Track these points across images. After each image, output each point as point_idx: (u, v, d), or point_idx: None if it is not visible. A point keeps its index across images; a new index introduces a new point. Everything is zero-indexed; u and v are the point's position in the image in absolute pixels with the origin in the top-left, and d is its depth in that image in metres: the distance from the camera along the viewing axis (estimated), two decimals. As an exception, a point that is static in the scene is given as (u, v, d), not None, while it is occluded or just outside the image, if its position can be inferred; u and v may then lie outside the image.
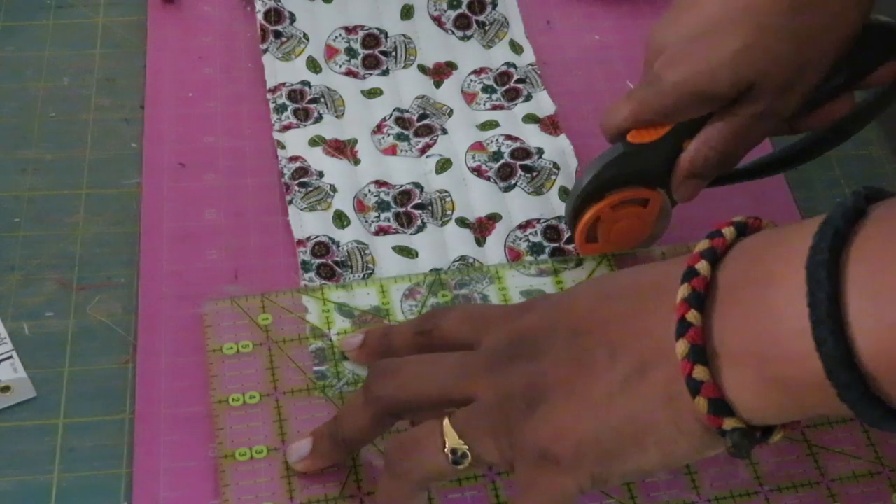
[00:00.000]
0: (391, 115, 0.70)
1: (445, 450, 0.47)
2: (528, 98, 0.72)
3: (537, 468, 0.46)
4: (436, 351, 0.53)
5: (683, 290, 0.44)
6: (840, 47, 0.56)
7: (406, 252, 0.64)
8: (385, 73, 0.73)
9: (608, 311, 0.47)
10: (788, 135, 0.61)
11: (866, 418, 0.40)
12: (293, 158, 0.67)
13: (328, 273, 0.62)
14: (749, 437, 0.43)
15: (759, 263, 0.43)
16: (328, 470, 0.54)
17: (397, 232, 0.65)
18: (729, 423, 0.43)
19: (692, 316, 0.43)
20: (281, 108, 0.70)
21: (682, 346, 0.43)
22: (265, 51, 0.73)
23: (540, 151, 0.68)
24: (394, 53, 0.74)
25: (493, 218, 0.65)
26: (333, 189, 0.66)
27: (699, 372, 0.42)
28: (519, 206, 0.66)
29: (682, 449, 0.45)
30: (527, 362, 0.47)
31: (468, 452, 0.47)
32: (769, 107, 0.56)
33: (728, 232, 0.45)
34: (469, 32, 0.75)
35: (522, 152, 0.68)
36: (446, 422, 0.48)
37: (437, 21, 0.75)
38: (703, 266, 0.44)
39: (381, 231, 0.64)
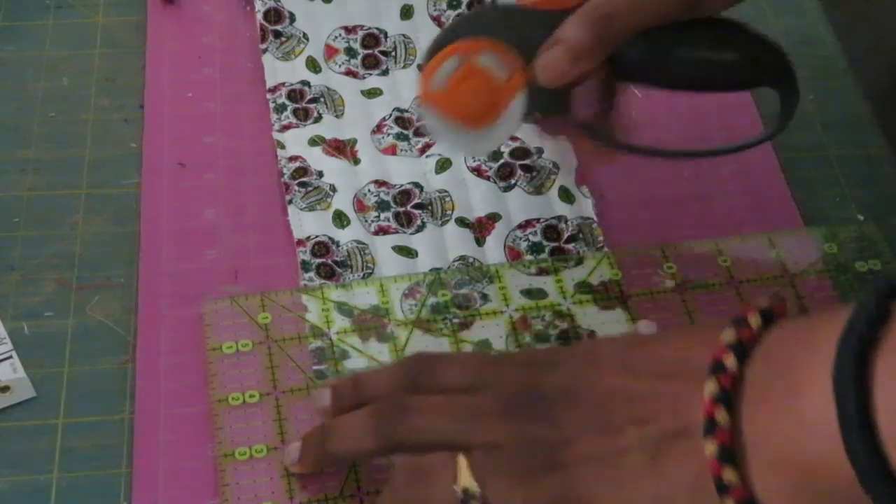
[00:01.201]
0: (391, 115, 0.70)
1: (456, 486, 0.47)
2: (528, 98, 0.71)
3: None
4: (424, 392, 0.51)
5: (711, 387, 0.43)
6: None
7: (406, 252, 0.64)
8: (385, 72, 0.73)
9: (633, 388, 0.46)
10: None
11: None
12: (293, 158, 0.67)
13: (328, 273, 0.62)
14: None
15: (787, 368, 0.42)
16: (328, 470, 0.54)
17: (397, 232, 0.65)
18: None
19: (721, 416, 0.43)
20: (280, 108, 0.70)
21: (710, 446, 0.43)
22: (265, 51, 0.73)
23: (539, 151, 0.68)
24: (393, 53, 0.74)
25: (493, 218, 0.65)
26: (333, 189, 0.66)
27: (728, 474, 0.42)
28: (518, 205, 0.66)
29: None
30: (552, 422, 0.47)
31: (477, 494, 0.47)
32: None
33: (754, 321, 0.44)
34: (469, 32, 0.75)
35: (522, 152, 0.68)
36: (462, 459, 0.47)
37: (437, 21, 0.75)
38: (730, 361, 0.43)
39: (381, 231, 0.64)
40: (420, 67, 0.57)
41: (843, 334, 0.40)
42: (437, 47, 0.57)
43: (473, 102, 0.57)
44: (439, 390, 0.51)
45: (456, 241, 0.64)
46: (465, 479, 0.47)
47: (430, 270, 0.63)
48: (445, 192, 0.66)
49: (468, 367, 0.52)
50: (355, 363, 0.58)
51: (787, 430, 0.41)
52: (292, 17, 0.74)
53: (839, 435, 0.39)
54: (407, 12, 0.76)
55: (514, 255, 0.64)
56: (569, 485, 0.46)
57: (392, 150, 0.68)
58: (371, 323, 0.60)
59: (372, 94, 0.72)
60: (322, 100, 0.71)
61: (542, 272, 0.63)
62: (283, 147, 0.68)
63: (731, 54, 0.58)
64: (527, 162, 0.67)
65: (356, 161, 0.68)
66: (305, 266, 0.62)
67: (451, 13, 0.75)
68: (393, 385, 0.52)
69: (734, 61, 0.58)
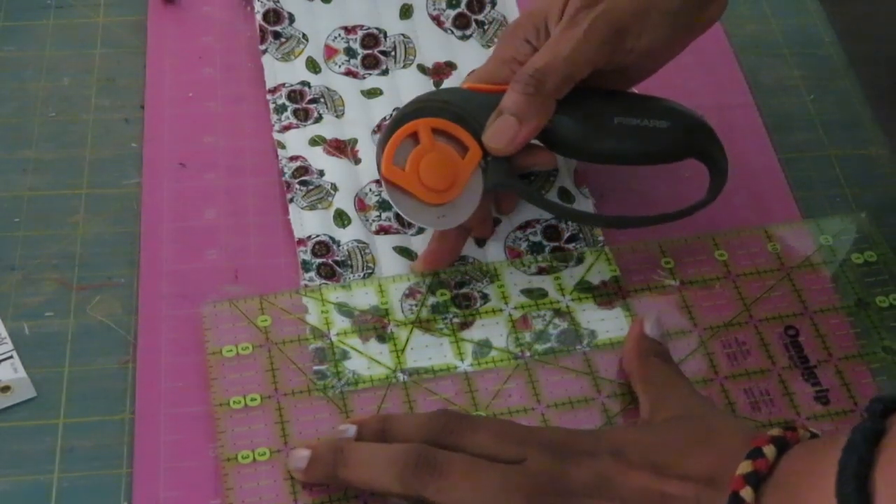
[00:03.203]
0: (391, 115, 0.70)
1: None
2: (528, 98, 0.71)
3: None
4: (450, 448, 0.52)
5: None
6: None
7: (406, 252, 0.64)
8: (384, 72, 0.73)
9: (661, 489, 0.49)
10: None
11: None
12: (293, 158, 0.67)
13: (328, 272, 0.62)
14: None
15: (797, 495, 0.46)
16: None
17: (398, 231, 0.65)
18: None
19: None
20: (281, 109, 0.70)
21: None
22: (264, 52, 0.73)
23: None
24: (393, 53, 0.74)
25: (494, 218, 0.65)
26: (334, 188, 0.66)
27: None
28: (519, 206, 0.66)
29: None
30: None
31: None
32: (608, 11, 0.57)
33: (769, 452, 0.48)
34: (468, 32, 0.75)
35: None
36: None
37: (437, 20, 0.75)
38: (748, 494, 0.47)
39: (382, 230, 0.64)
40: (379, 148, 0.59)
41: (842, 455, 0.43)
42: (393, 127, 0.59)
43: (434, 178, 0.58)
44: (465, 452, 0.52)
45: (456, 241, 0.64)
46: None
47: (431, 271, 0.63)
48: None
49: (497, 436, 0.52)
50: (355, 364, 0.58)
51: None
52: (291, 18, 0.74)
53: None
54: (406, 12, 0.76)
55: (514, 255, 0.64)
56: None
57: (392, 150, 0.68)
58: (371, 323, 0.60)
59: (372, 93, 0.72)
60: (322, 100, 0.71)
61: (541, 271, 0.63)
62: (283, 147, 0.68)
63: (663, 122, 0.60)
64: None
65: (357, 161, 0.68)
66: (306, 266, 0.62)
67: (451, 13, 0.75)
68: (421, 435, 0.53)
69: (666, 129, 0.61)
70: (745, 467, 0.47)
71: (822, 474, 0.44)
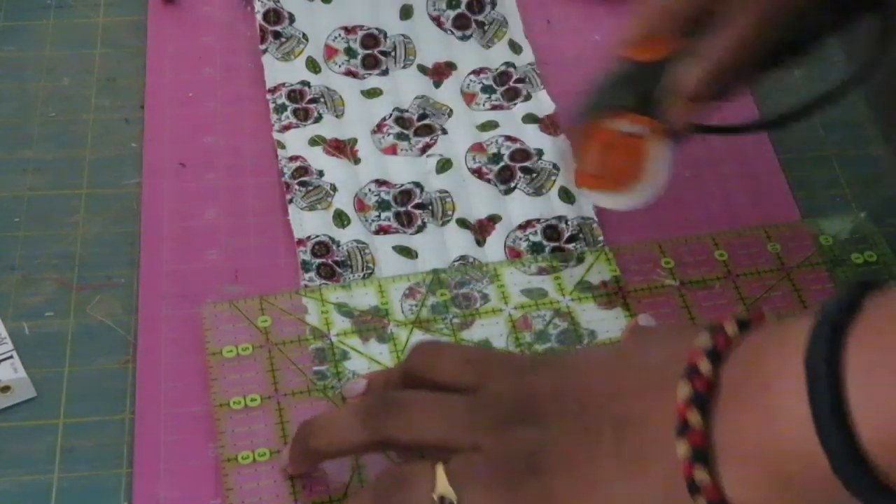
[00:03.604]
0: (391, 115, 0.70)
1: (434, 494, 0.47)
2: (528, 98, 0.72)
3: None
4: (427, 388, 0.52)
5: (684, 389, 0.44)
6: None
7: (406, 252, 0.64)
8: (384, 73, 0.73)
9: (614, 389, 0.47)
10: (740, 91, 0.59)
11: None
12: (293, 158, 0.67)
13: (328, 273, 0.62)
14: None
15: (760, 363, 0.43)
16: (331, 471, 0.54)
17: (397, 231, 0.65)
18: None
19: (693, 418, 0.43)
20: (280, 109, 0.70)
21: (682, 448, 0.43)
22: (264, 51, 0.73)
23: (539, 153, 0.68)
24: (393, 53, 0.74)
25: (493, 219, 0.65)
26: (334, 188, 0.66)
27: (699, 474, 0.43)
28: (519, 207, 0.66)
29: None
30: (532, 427, 0.47)
31: (455, 501, 0.47)
32: (764, 13, 0.55)
33: (730, 328, 0.45)
34: (468, 32, 0.75)
35: (522, 154, 0.68)
36: (440, 468, 0.48)
37: (437, 21, 0.75)
38: (705, 366, 0.44)
39: (382, 230, 0.64)
40: (570, 143, 0.60)
41: (815, 323, 0.40)
42: (588, 122, 0.58)
43: (624, 169, 0.59)
44: (439, 381, 0.52)
45: (456, 242, 0.64)
46: (442, 486, 0.47)
47: (430, 271, 0.63)
48: (446, 192, 0.66)
49: (467, 361, 0.52)
50: (356, 364, 0.58)
51: (758, 425, 0.42)
52: (292, 18, 0.74)
53: (811, 422, 0.39)
54: (406, 12, 0.76)
55: (514, 254, 0.64)
56: (545, 492, 0.46)
57: (393, 150, 0.69)
58: (371, 324, 0.60)
59: (372, 94, 0.72)
60: (322, 100, 0.71)
61: (541, 271, 0.63)
62: (283, 147, 0.68)
63: None
64: (527, 164, 0.67)
65: (357, 160, 0.68)
66: (306, 266, 0.62)
67: (451, 13, 0.75)
68: (401, 376, 0.53)
69: None
70: (703, 340, 0.44)
71: (787, 344, 0.41)
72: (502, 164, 0.67)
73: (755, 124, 0.62)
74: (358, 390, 0.55)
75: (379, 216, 0.65)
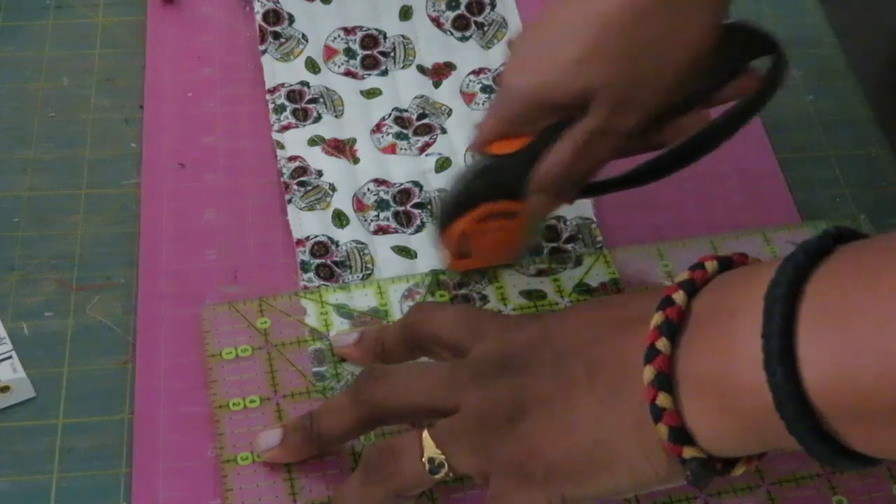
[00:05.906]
0: (390, 115, 0.70)
1: (423, 459, 0.48)
2: (528, 98, 0.72)
3: (511, 483, 0.47)
4: (423, 346, 0.53)
5: (657, 318, 0.44)
6: (689, 59, 0.53)
7: (405, 252, 0.64)
8: (384, 73, 0.73)
9: (593, 335, 0.47)
10: (645, 152, 0.58)
11: (814, 453, 0.40)
12: (292, 158, 0.67)
13: (327, 273, 0.62)
14: (709, 468, 0.44)
15: (728, 296, 0.44)
16: (331, 471, 0.54)
17: (396, 231, 0.65)
18: (688, 452, 0.43)
19: (661, 343, 0.43)
20: (280, 109, 0.70)
21: (648, 372, 0.43)
22: (264, 52, 0.73)
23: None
24: (392, 54, 0.74)
25: (492, 218, 0.65)
26: (332, 188, 0.66)
27: (662, 399, 0.43)
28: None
29: (648, 476, 0.45)
30: (512, 378, 0.48)
31: (445, 462, 0.48)
32: (608, 121, 0.54)
33: (710, 265, 0.46)
34: (468, 33, 0.75)
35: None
36: (425, 433, 0.48)
37: (436, 22, 0.75)
38: (679, 296, 0.44)
39: (381, 230, 0.65)
40: (438, 232, 0.60)
41: (781, 263, 0.41)
42: (444, 222, 0.59)
43: (496, 249, 0.61)
44: (433, 337, 0.53)
45: (455, 242, 0.64)
46: (430, 449, 0.48)
47: (429, 272, 0.63)
48: (446, 192, 0.66)
49: (460, 319, 0.53)
50: (354, 365, 0.58)
51: (717, 354, 0.42)
52: (291, 19, 0.74)
53: (761, 357, 0.40)
54: (406, 13, 0.76)
55: (513, 255, 0.64)
56: (525, 438, 0.46)
57: (392, 150, 0.69)
58: (370, 325, 0.60)
59: (371, 94, 0.72)
60: (321, 100, 0.71)
61: (540, 273, 0.63)
62: (282, 147, 0.68)
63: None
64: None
65: (356, 160, 0.68)
66: (305, 266, 0.62)
67: (450, 14, 0.75)
68: (399, 328, 0.55)
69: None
70: (682, 276, 0.45)
71: (755, 279, 0.42)
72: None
73: (645, 171, 0.60)
74: (349, 341, 0.57)
75: (378, 216, 0.65)
